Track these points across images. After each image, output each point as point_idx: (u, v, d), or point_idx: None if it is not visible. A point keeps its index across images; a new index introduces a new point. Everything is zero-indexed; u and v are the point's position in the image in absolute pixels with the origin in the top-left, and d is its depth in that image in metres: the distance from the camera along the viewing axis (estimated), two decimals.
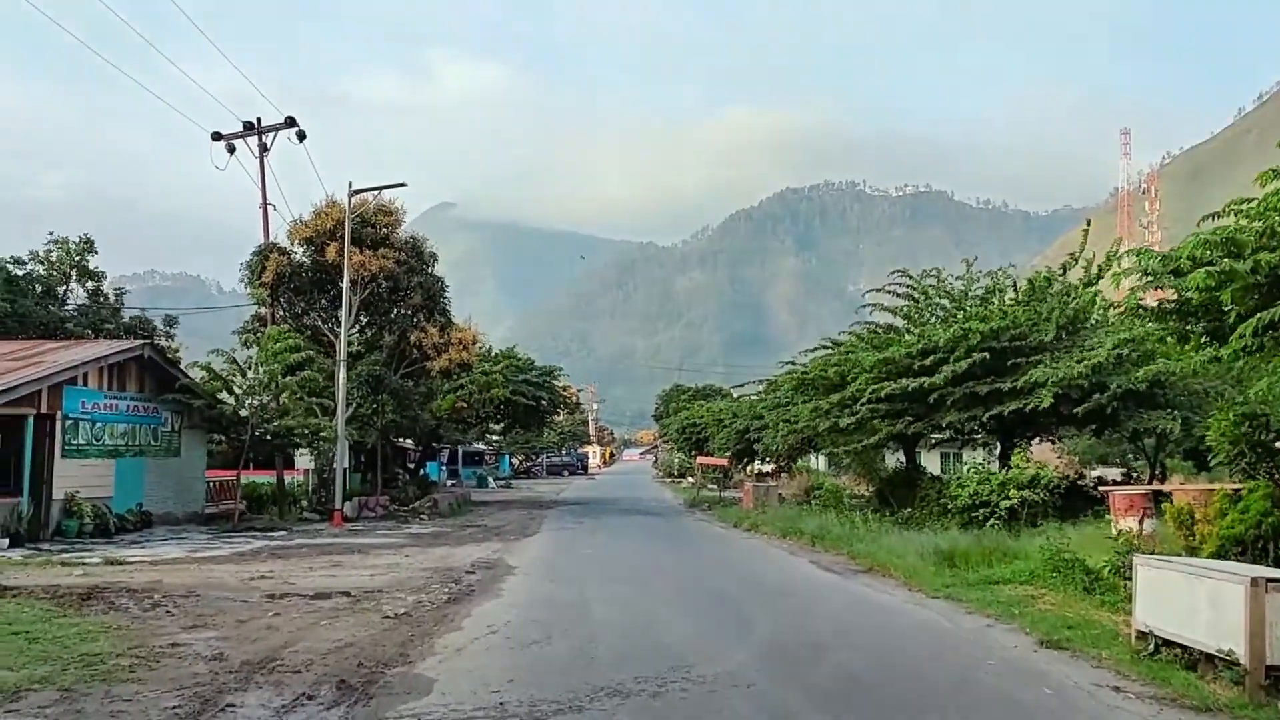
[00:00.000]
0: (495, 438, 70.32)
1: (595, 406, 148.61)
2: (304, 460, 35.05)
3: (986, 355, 22.26)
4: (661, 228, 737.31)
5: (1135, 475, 29.64)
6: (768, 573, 17.19)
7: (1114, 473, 30.89)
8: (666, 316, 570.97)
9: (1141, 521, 16.26)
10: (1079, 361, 20.97)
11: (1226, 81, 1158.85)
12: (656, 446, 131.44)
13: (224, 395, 26.90)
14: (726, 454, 45.70)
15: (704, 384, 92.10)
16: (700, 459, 46.89)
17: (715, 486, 47.06)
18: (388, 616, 11.70)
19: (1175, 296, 12.67)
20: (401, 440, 42.84)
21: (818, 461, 49.08)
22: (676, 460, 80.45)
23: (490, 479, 64.05)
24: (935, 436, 30.01)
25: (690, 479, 65.64)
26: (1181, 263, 11.27)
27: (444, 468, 62.88)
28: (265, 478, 34.29)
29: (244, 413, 26.70)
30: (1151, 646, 9.22)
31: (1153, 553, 13.14)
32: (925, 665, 9.30)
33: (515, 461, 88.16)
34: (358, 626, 11.04)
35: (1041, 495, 20.95)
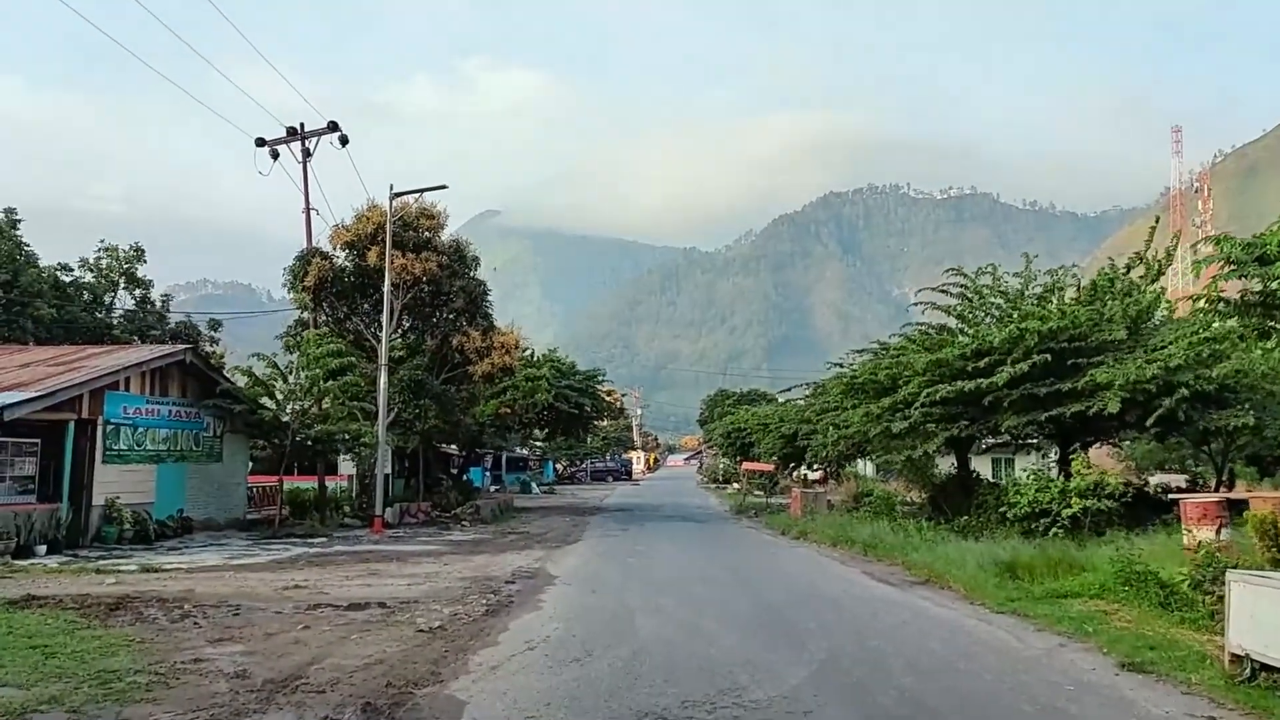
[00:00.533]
0: (539, 444, 70.02)
1: (639, 411, 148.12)
2: (347, 466, 34.85)
3: (1048, 357, 21.37)
4: (704, 233, 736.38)
5: (1201, 482, 28.51)
6: (819, 583, 16.47)
7: (1176, 479, 29.77)
8: (710, 321, 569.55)
9: (1218, 531, 15.34)
10: (1149, 362, 20.04)
11: (1278, 78, 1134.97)
12: (701, 452, 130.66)
13: (265, 400, 26.60)
14: (773, 459, 44.89)
15: (748, 389, 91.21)
16: (746, 464, 46.12)
17: (761, 493, 46.20)
18: (421, 630, 11.16)
19: (1260, 288, 11.81)
20: (444, 446, 42.54)
21: (866, 467, 48.16)
22: (721, 466, 79.68)
23: (534, 485, 63.66)
24: (988, 441, 29.06)
25: (736, 485, 64.88)
26: (1269, 249, 10.45)
27: (488, 473, 62.67)
28: (308, 483, 34.11)
29: (285, 418, 26.43)
30: (1248, 671, 8.42)
31: (1235, 565, 12.31)
32: (998, 690, 8.57)
33: (559, 467, 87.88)
34: (389, 641, 10.52)
35: (1105, 504, 20.01)
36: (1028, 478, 21.51)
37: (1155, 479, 30.66)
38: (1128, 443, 31.35)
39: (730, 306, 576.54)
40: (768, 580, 16.84)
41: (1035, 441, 30.86)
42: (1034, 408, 21.38)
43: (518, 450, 69.84)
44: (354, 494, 32.27)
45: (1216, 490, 24.89)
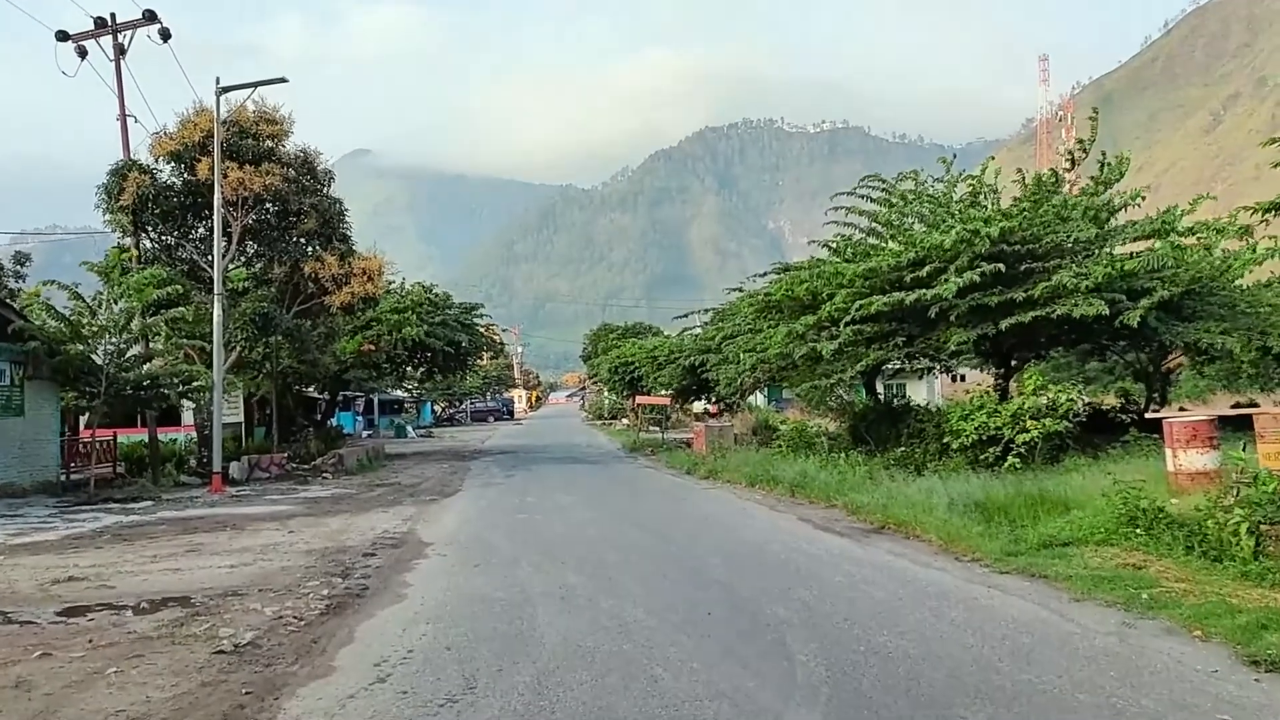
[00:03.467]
0: (414, 385, 65.67)
1: (520, 350, 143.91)
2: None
3: (1000, 266, 18.67)
4: (581, 170, 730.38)
5: (1130, 401, 26.52)
6: (756, 538, 13.38)
7: (1107, 400, 27.78)
8: (588, 259, 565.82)
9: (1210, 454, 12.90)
10: (1120, 260, 17.52)
11: (1136, 10, 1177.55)
12: (584, 388, 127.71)
13: (73, 341, 22.06)
14: (668, 392, 41.92)
15: (633, 322, 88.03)
16: (639, 399, 43.04)
17: (656, 428, 43.27)
18: (222, 651, 7.57)
19: None
20: (307, 389, 38.17)
21: (756, 399, 45.64)
22: (608, 402, 76.66)
23: (410, 428, 59.55)
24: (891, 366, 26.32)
25: (625, 421, 61.93)
26: None
27: (359, 418, 58.28)
28: (162, 435, 29.70)
29: (98, 360, 21.97)
30: None
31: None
32: None
33: (437, 409, 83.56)
34: (167, 674, 6.94)
35: (1062, 425, 17.51)
36: (974, 401, 18.79)
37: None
38: (1059, 363, 29.36)
39: (608, 244, 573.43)
40: (695, 538, 13.64)
41: (944, 363, 28.55)
42: (984, 319, 18.65)
43: (392, 393, 65.39)
44: (197, 447, 27.88)
45: (1149, 409, 22.87)
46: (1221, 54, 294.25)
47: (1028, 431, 17.36)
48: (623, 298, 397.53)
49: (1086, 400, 18.65)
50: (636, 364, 50.63)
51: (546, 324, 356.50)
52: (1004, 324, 18.14)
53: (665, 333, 65.50)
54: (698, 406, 50.03)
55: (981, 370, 38.61)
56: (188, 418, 30.70)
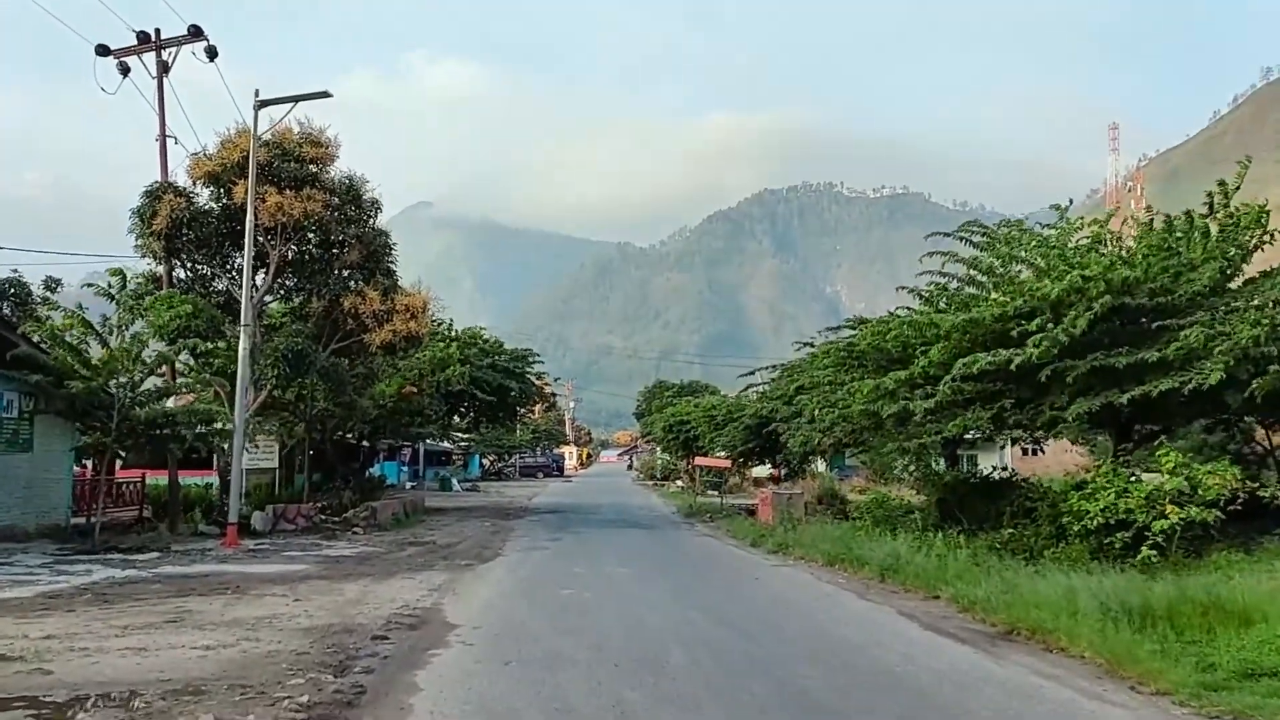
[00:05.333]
0: (463, 436, 63.67)
1: (572, 405, 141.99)
2: (248, 459, 27.97)
3: (1116, 322, 16.11)
4: (639, 228, 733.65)
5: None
6: (855, 637, 10.81)
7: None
8: (644, 317, 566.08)
9: None
10: (1260, 319, 14.89)
11: (1203, 85, 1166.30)
12: (636, 447, 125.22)
13: (83, 371, 20.17)
14: (730, 454, 39.31)
15: (689, 380, 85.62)
16: (697, 460, 40.46)
17: (715, 492, 40.59)
18: None
19: None
20: (347, 436, 36.18)
21: (818, 465, 42.88)
22: (660, 462, 74.07)
23: (455, 481, 57.37)
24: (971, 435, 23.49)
25: (679, 483, 59.27)
26: None
27: (404, 468, 56.38)
28: (195, 479, 27.81)
29: (113, 392, 20.01)
30: None
31: None
32: None
33: (486, 462, 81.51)
34: None
35: (1208, 514, 14.74)
36: (1102, 477, 16.02)
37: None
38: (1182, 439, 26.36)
39: (664, 302, 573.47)
40: (777, 633, 11.09)
41: (1028, 435, 25.69)
42: (1108, 384, 16.00)
43: (440, 443, 63.45)
44: (220, 494, 25.84)
45: None
46: None
47: (1166, 518, 14.62)
48: (676, 357, 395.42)
49: (1241, 480, 15.77)
50: (693, 423, 48.21)
51: (599, 380, 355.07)
52: (1133, 393, 15.50)
53: (722, 393, 63.02)
54: (759, 471, 47.29)
55: (1076, 443, 35.44)
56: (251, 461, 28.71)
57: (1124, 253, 18.60)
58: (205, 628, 10.88)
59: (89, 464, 24.73)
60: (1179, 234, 18.15)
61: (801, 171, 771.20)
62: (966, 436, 23.84)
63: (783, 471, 38.92)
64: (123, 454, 24.67)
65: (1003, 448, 38.96)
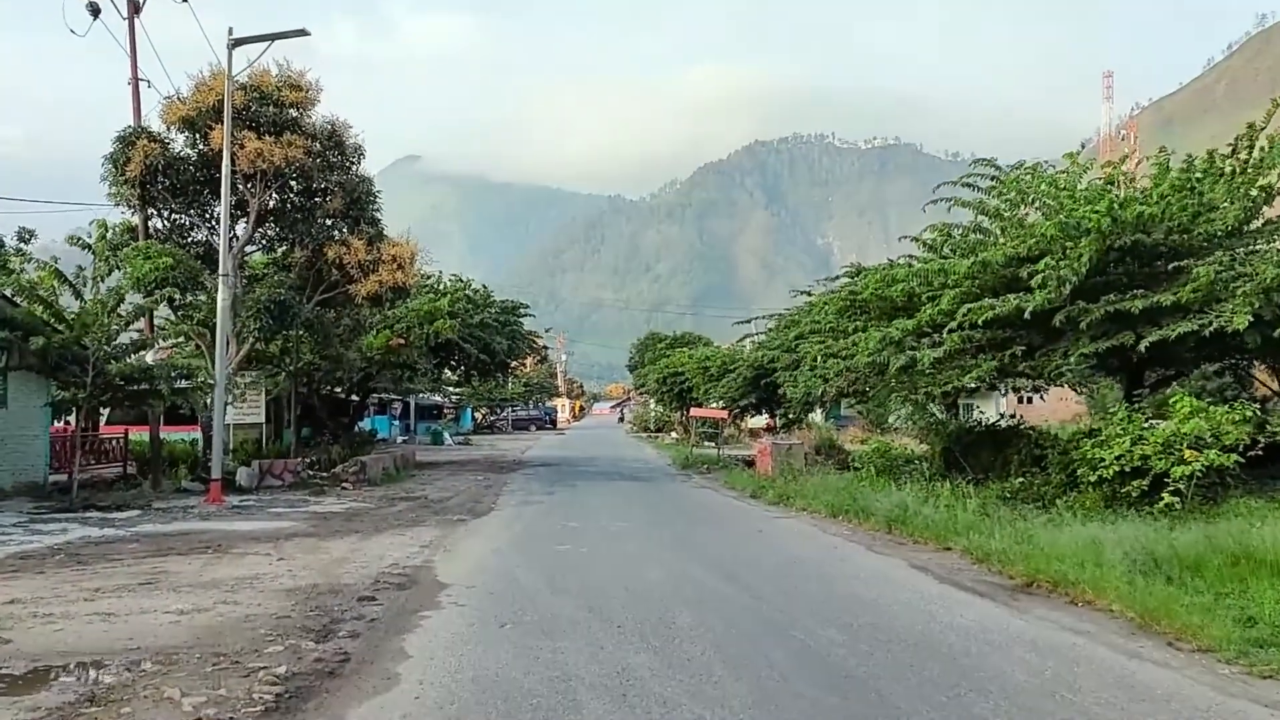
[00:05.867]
0: (454, 390, 62.99)
1: (564, 357, 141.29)
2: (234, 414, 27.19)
3: (1133, 264, 15.44)
4: (629, 181, 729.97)
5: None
6: (870, 594, 10.22)
7: None
8: (635, 270, 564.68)
9: None
10: None
11: (1199, 31, 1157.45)
12: (629, 399, 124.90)
13: (55, 324, 19.40)
14: (728, 405, 38.69)
15: (682, 332, 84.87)
16: (694, 411, 39.83)
17: (709, 443, 40.05)
18: None
19: None
20: (335, 390, 35.47)
21: (816, 414, 42.32)
22: (654, 414, 73.60)
23: (447, 435, 56.83)
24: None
25: (673, 434, 58.80)
26: None
27: (396, 423, 55.76)
28: (180, 435, 27.29)
29: (87, 345, 19.24)
30: None
31: None
32: None
33: (478, 416, 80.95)
34: None
35: (1230, 459, 14.18)
36: (1118, 424, 15.41)
37: None
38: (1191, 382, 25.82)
39: (655, 255, 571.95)
40: (788, 591, 10.49)
41: (1029, 383, 25.12)
42: (1122, 328, 15.36)
43: (431, 397, 62.83)
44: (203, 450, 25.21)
45: None
46: None
47: (1186, 464, 14.04)
48: (667, 310, 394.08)
49: (1265, 425, 15.22)
50: (687, 375, 47.60)
51: (592, 333, 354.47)
52: (1152, 337, 14.86)
53: (715, 344, 62.29)
54: (755, 421, 46.74)
55: (1079, 390, 34.92)
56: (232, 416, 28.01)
57: (1139, 193, 17.85)
58: (181, 590, 10.28)
59: (70, 420, 24.05)
60: (1199, 174, 17.37)
61: (793, 123, 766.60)
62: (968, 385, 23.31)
63: (779, 422, 38.34)
64: (104, 410, 24.02)
65: (1004, 395, 38.44)
